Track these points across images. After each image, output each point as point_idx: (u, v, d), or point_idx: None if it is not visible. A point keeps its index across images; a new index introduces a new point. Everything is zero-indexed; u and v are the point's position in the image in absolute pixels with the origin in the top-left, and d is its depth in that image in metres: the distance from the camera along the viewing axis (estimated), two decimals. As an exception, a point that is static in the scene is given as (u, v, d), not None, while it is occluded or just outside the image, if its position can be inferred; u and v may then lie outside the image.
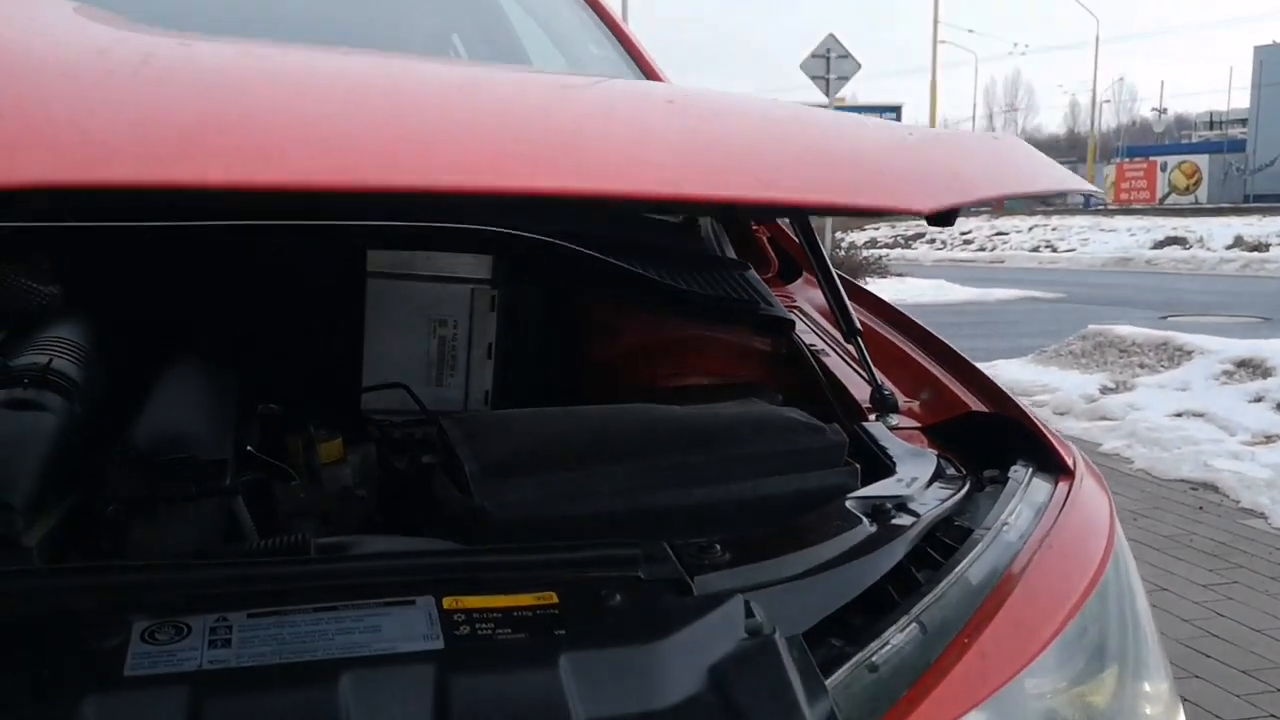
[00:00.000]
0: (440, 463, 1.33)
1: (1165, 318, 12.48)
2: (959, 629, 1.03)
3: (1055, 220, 36.06)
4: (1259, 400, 7.13)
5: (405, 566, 1.01)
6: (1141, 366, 8.38)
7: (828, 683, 0.95)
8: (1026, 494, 1.31)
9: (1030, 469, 1.38)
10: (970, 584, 1.11)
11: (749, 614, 0.98)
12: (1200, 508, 5.67)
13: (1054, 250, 28.51)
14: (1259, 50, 53.96)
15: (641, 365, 1.88)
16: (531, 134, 0.89)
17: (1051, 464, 1.39)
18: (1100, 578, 1.18)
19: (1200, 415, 7.12)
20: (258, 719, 0.82)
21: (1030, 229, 33.74)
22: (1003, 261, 26.79)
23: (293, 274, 1.84)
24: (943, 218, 1.08)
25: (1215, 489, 5.90)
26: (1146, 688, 1.19)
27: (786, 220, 2.22)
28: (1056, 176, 1.36)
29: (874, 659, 1.00)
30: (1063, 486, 1.32)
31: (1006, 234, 32.89)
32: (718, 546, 1.10)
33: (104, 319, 1.65)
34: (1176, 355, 8.34)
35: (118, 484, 1.20)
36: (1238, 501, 5.68)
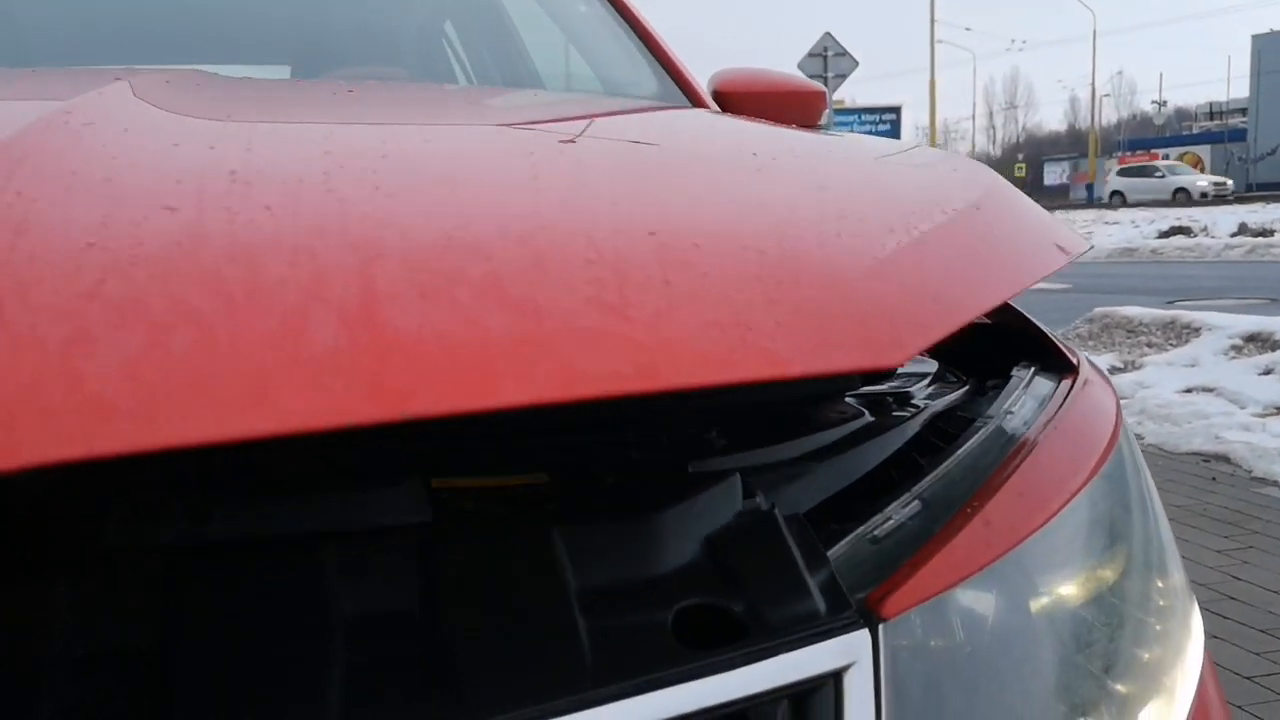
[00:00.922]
0: None
1: (1172, 303, 12.41)
2: (962, 502, 1.00)
3: (1059, 215, 36.04)
4: (1269, 373, 7.09)
5: (394, 449, 0.99)
6: (1149, 345, 8.35)
7: (829, 554, 0.93)
8: (1029, 389, 1.28)
9: (1033, 368, 1.35)
10: (973, 463, 1.08)
11: (747, 493, 0.96)
12: (1213, 479, 5.64)
13: (1058, 244, 28.38)
14: (1257, 39, 53.95)
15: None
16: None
17: (1055, 364, 1.37)
18: (1107, 459, 1.15)
19: (1210, 390, 7.09)
20: (241, 586, 0.79)
21: (1034, 224, 33.71)
22: (1007, 256, 26.68)
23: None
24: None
25: (1227, 460, 5.87)
26: (1158, 575, 1.17)
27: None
28: (1042, 255, 1.23)
29: (875, 532, 0.98)
30: (1066, 382, 1.29)
31: (1010, 230, 32.87)
32: (714, 433, 1.07)
33: None
34: (1184, 333, 8.30)
35: None
36: (1250, 471, 5.65)
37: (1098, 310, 9.50)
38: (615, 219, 0.93)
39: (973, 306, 0.99)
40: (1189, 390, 7.03)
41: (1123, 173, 50.58)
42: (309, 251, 0.80)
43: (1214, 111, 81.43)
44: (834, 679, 0.84)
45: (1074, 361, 1.36)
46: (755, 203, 1.05)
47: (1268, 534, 4.59)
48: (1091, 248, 1.40)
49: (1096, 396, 1.29)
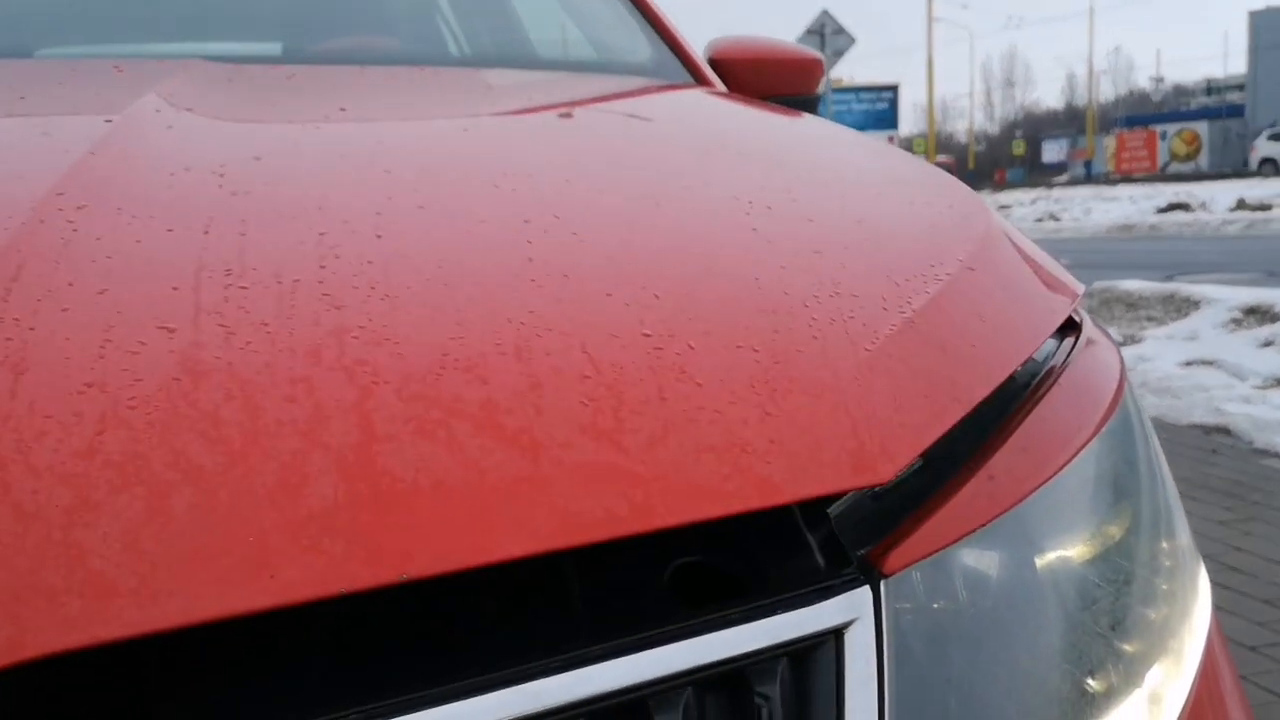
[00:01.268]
0: None
1: (1171, 277, 12.39)
2: (965, 458, 0.98)
3: (1057, 192, 36.09)
4: (1269, 345, 7.08)
5: None
6: (1149, 319, 8.33)
7: (829, 511, 0.90)
8: None
9: None
10: (975, 418, 1.06)
11: None
12: (1214, 451, 5.63)
13: (1057, 220, 28.40)
14: (1254, 15, 53.88)
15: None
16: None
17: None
18: (1111, 416, 1.13)
19: (1210, 363, 7.07)
20: None
21: (1033, 201, 33.77)
22: (1006, 233, 26.64)
23: None
24: None
25: (1228, 432, 5.86)
26: (1164, 534, 1.15)
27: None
28: (1036, 318, 1.20)
29: (875, 490, 0.96)
30: (1069, 339, 1.27)
31: (1010, 206, 32.87)
32: None
33: None
34: (1184, 306, 8.28)
35: None
36: (1251, 443, 5.64)
37: (1097, 284, 9.48)
38: (609, 315, 0.91)
39: (965, 400, 0.97)
40: (1189, 363, 7.01)
41: (1276, 137, 49.05)
42: (306, 384, 0.78)
43: (1211, 88, 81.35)
44: (835, 636, 0.82)
45: (1075, 318, 1.33)
46: (749, 278, 1.02)
47: (1269, 505, 4.57)
48: (1085, 290, 1.38)
49: (1100, 354, 1.27)
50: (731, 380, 0.88)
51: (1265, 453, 5.42)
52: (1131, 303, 8.74)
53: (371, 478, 0.73)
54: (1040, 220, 29.05)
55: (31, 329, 0.79)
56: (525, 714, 0.73)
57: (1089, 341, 1.28)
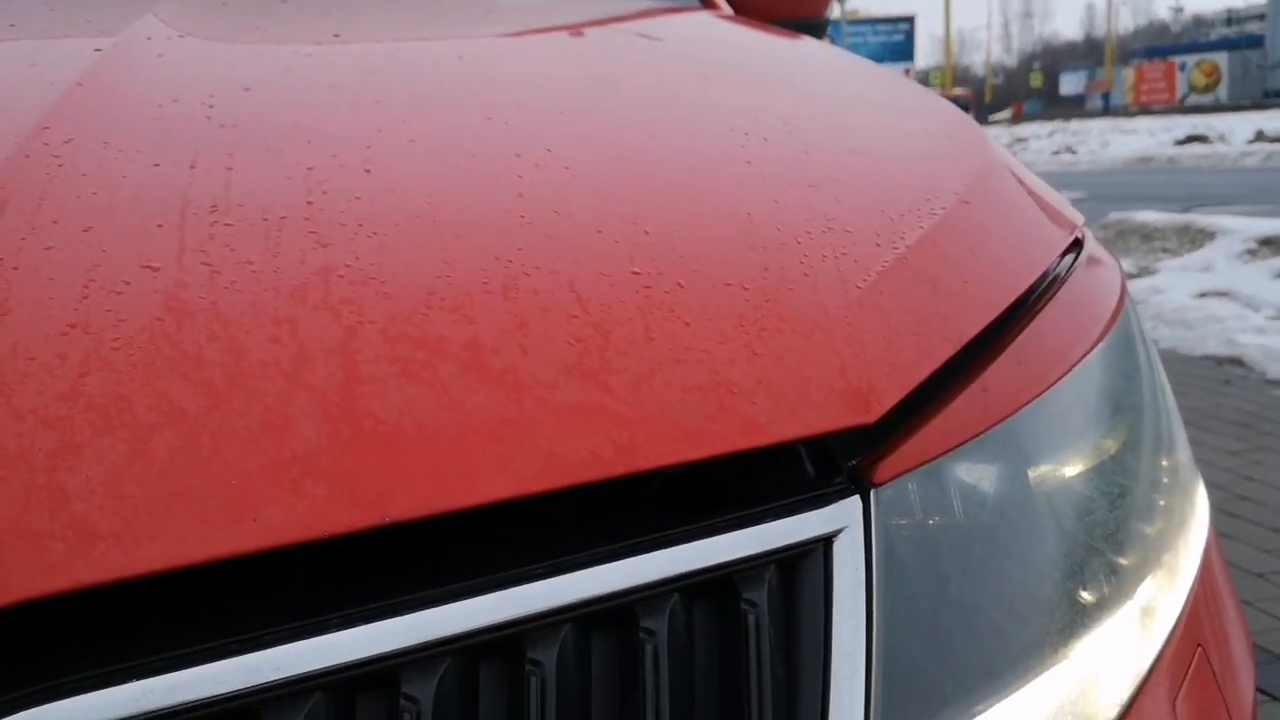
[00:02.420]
0: None
1: (1188, 209, 12.31)
2: (958, 368, 0.97)
3: (1075, 124, 35.81)
4: (1283, 276, 7.04)
5: None
6: (1164, 250, 8.28)
7: (818, 420, 0.90)
8: None
9: None
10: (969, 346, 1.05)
11: None
12: (1227, 381, 5.61)
13: (1074, 153, 28.20)
14: (1277, -57, 53.05)
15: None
16: None
17: (1058, 239, 1.33)
18: (1110, 331, 1.12)
19: (1224, 294, 7.04)
20: None
21: (1050, 134, 33.53)
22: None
23: None
24: None
25: (1241, 363, 5.84)
26: (1162, 450, 1.14)
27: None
28: (1033, 253, 1.16)
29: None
30: (1070, 255, 1.26)
31: (1026, 139, 32.63)
32: None
33: None
34: (1198, 237, 8.23)
35: None
36: (1264, 374, 5.63)
37: (1113, 216, 9.43)
38: (598, 253, 0.90)
39: (956, 338, 0.95)
40: (1203, 295, 6.97)
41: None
42: (290, 325, 0.77)
43: (1231, 18, 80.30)
44: (823, 545, 0.82)
45: (1078, 235, 1.32)
46: (741, 213, 1.00)
47: (1281, 435, 4.58)
48: (1085, 222, 1.36)
49: (1100, 271, 1.26)
50: (720, 319, 0.87)
51: (1277, 384, 5.41)
52: (1146, 234, 8.68)
53: (355, 420, 0.72)
54: (1057, 153, 28.85)
55: (15, 269, 0.79)
56: (511, 618, 0.73)
57: (1090, 259, 1.27)
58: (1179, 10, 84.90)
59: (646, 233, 0.94)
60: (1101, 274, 1.25)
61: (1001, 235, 1.17)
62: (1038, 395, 0.98)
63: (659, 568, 0.77)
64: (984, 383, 0.96)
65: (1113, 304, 1.18)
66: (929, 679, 0.84)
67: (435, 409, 0.75)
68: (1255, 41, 55.05)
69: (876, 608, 0.82)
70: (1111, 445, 1.05)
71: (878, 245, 1.01)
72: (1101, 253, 1.33)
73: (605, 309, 0.84)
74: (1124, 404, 1.11)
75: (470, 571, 0.74)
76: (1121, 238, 8.88)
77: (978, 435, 0.92)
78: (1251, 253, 7.52)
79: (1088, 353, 1.06)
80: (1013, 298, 1.07)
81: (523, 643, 0.73)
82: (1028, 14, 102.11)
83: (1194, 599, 1.05)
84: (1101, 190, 17.49)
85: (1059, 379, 1.01)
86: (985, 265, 1.09)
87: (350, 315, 0.78)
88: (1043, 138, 32.63)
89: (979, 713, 0.85)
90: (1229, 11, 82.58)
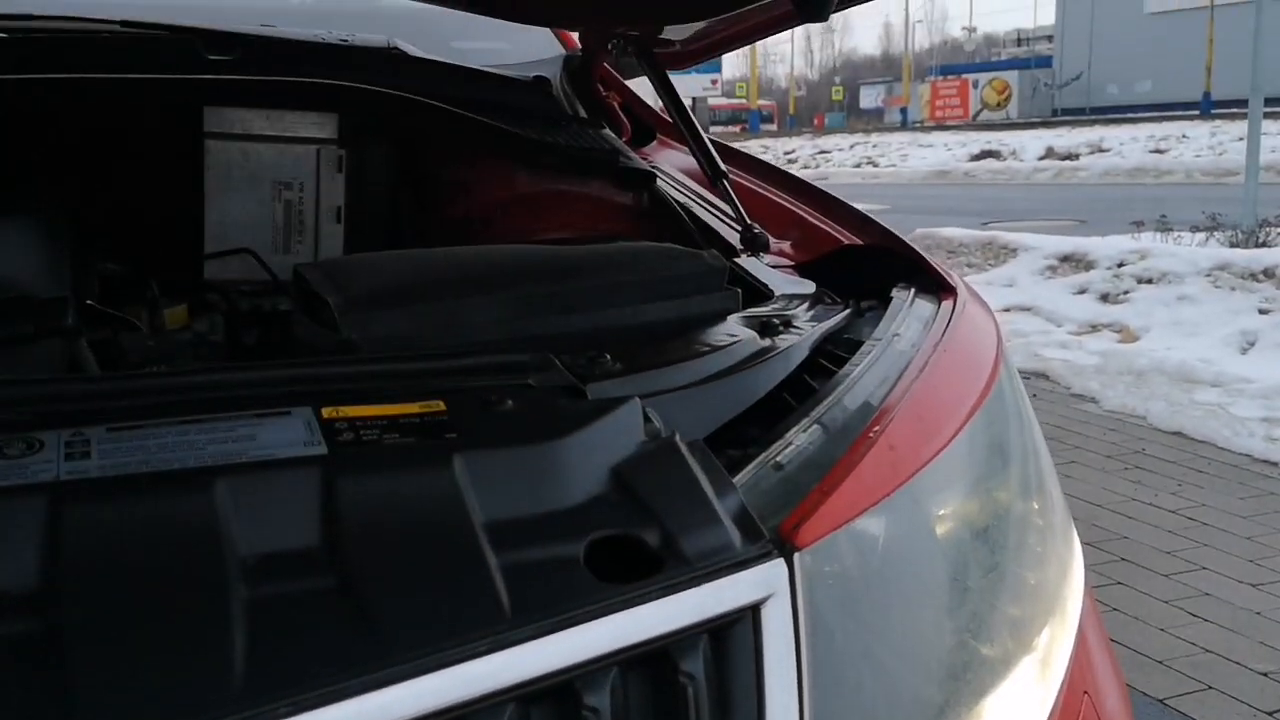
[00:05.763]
0: (299, 306, 1.24)
1: (987, 224, 12.72)
2: (863, 426, 0.99)
3: (875, 138, 36.75)
4: (1083, 292, 7.34)
5: (276, 378, 0.94)
6: (969, 265, 8.57)
7: (735, 481, 0.90)
8: (912, 310, 1.28)
9: (912, 290, 1.35)
10: (868, 386, 1.07)
11: (645, 419, 0.93)
12: (1034, 395, 5.81)
13: (875, 166, 28.96)
14: (1063, -32, 55.38)
15: (497, 221, 1.81)
16: None
17: (933, 285, 1.37)
18: (995, 381, 1.15)
19: (1028, 309, 7.31)
20: (126, 528, 0.73)
21: (852, 146, 34.31)
22: (827, 178, 27.05)
23: (125, 131, 1.73)
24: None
25: (1046, 377, 6.06)
26: (1042, 496, 1.18)
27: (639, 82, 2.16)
28: None
29: (778, 459, 0.96)
30: (948, 303, 1.29)
31: (829, 152, 33.37)
32: (607, 357, 1.04)
33: None
34: (1001, 253, 8.53)
35: None
36: (1069, 388, 5.85)
37: (919, 231, 9.69)
38: None
39: None
40: (1008, 309, 7.22)
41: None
42: None
43: (1021, 38, 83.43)
44: (752, 612, 0.82)
45: (951, 282, 1.36)
46: None
47: (1088, 448, 4.75)
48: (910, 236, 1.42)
49: (978, 317, 1.30)
50: None
51: (1082, 397, 5.62)
52: (952, 249, 8.97)
53: None
54: (859, 165, 29.57)
55: None
56: (455, 701, 0.71)
57: (965, 303, 1.30)
58: (972, 30, 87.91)
59: None
60: (978, 319, 1.29)
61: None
62: (940, 451, 1.00)
63: (599, 641, 0.76)
64: (889, 440, 0.98)
65: (993, 351, 1.22)
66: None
67: None
68: (1044, 62, 57.32)
69: (806, 672, 0.83)
70: (1003, 495, 1.08)
71: None
72: (972, 295, 1.37)
73: None
74: (1009, 452, 1.15)
75: (407, 651, 0.72)
76: (929, 252, 9.14)
77: (889, 494, 0.93)
78: (1052, 269, 7.84)
79: (978, 405, 1.09)
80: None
81: None
82: (829, 29, 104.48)
83: (1078, 645, 1.09)
84: (903, 203, 17.98)
85: (957, 433, 1.03)
86: None
87: None
88: (845, 149, 33.40)
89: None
90: (1019, 32, 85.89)
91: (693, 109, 1.81)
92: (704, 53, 1.82)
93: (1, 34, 1.62)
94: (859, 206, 1.66)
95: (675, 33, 1.78)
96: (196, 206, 1.69)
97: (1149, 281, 7.08)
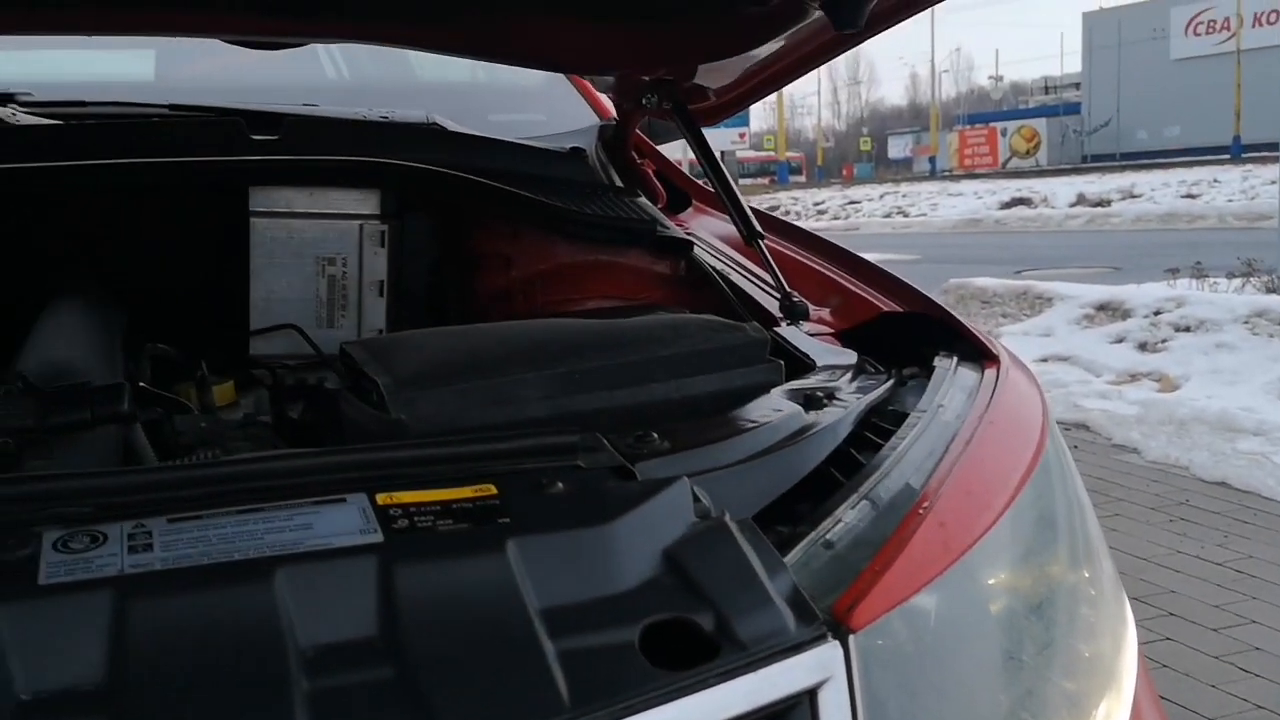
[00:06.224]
0: (346, 386, 1.26)
1: (1020, 273, 12.69)
2: (912, 502, 0.99)
3: (904, 187, 36.76)
4: (1120, 341, 7.29)
5: (331, 464, 0.95)
6: (1004, 316, 8.54)
7: (785, 560, 0.91)
8: (955, 379, 1.28)
9: (954, 358, 1.35)
10: (915, 460, 1.07)
11: (695, 498, 0.94)
12: (1075, 446, 5.77)
13: (905, 215, 28.94)
14: (1087, 16, 55.55)
15: (538, 292, 1.82)
16: None
17: (975, 353, 1.37)
18: (1042, 452, 1.15)
19: (1065, 359, 7.26)
20: (188, 621, 0.74)
21: (881, 196, 34.31)
22: (858, 228, 27.08)
23: (173, 213, 1.76)
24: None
25: (1087, 428, 6.00)
26: (1095, 565, 1.17)
27: (681, 157, 2.18)
28: None
29: (828, 536, 0.96)
30: (990, 372, 1.29)
31: (859, 202, 33.38)
32: (655, 435, 1.05)
33: None
34: (1037, 303, 8.49)
35: (6, 416, 1.11)
36: (1110, 439, 5.79)
37: (952, 281, 9.66)
38: None
39: None
40: (1045, 359, 7.19)
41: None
42: None
43: (1048, 86, 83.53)
44: (809, 696, 0.82)
45: (993, 350, 1.36)
46: None
47: (1132, 500, 4.70)
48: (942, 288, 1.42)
49: (1022, 385, 1.30)
50: None
51: (1123, 448, 5.57)
52: (986, 299, 8.94)
53: None
54: (889, 215, 29.56)
55: None
56: None
57: (1009, 373, 1.30)
58: (999, 78, 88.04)
59: None
60: (1023, 387, 1.29)
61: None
62: (990, 526, 1.00)
63: (660, 731, 0.76)
64: (939, 517, 0.98)
65: (1039, 419, 1.22)
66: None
67: None
68: (1072, 108, 57.39)
69: (864, 758, 0.83)
70: (1054, 568, 1.08)
71: None
72: (1015, 362, 1.37)
73: None
74: (1058, 522, 1.14)
75: None
76: (962, 303, 9.13)
77: (942, 573, 0.93)
78: (1089, 318, 7.80)
79: (1027, 476, 1.09)
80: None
81: None
82: (855, 81, 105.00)
83: (1133, 717, 1.08)
84: (934, 253, 17.96)
85: (1007, 507, 1.03)
86: None
87: None
88: (874, 199, 33.41)
89: None
90: (1046, 79, 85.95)
91: (721, 161, 1.83)
92: (738, 102, 1.83)
93: (57, 120, 1.66)
94: (890, 256, 1.67)
95: (709, 79, 1.78)
96: (242, 283, 1.71)
97: (1187, 329, 7.04)
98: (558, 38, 1.67)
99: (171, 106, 1.79)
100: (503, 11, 1.63)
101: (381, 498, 0.88)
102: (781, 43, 1.55)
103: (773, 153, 67.17)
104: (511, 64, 1.86)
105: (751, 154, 62.99)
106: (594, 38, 1.67)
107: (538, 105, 2.51)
